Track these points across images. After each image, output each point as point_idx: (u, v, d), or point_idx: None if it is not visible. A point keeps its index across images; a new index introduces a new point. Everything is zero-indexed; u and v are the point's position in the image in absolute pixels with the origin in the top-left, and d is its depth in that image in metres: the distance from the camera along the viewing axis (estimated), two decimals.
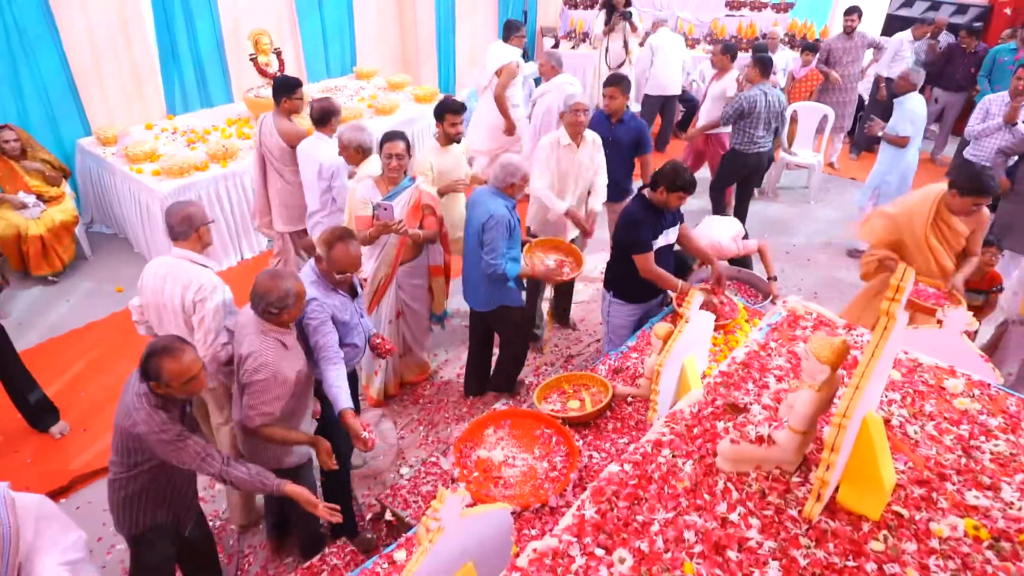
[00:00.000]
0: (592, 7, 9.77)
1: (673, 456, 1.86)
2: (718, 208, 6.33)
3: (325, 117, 4.45)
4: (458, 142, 4.52)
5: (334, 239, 3.03)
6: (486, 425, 3.04)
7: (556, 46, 9.38)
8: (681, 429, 1.97)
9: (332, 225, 3.17)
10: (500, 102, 6.11)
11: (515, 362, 4.41)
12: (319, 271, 3.11)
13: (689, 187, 3.59)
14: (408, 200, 3.96)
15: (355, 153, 4.27)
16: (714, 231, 4.49)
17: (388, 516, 3.41)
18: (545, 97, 6.16)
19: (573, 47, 9.36)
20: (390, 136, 3.90)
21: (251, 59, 6.37)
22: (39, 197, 5.41)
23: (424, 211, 4.03)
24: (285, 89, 4.68)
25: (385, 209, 3.69)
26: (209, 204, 5.59)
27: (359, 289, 3.37)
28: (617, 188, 4.92)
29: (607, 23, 7.31)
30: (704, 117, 6.58)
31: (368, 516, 3.69)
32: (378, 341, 3.48)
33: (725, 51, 6.33)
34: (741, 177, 6.15)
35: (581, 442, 2.99)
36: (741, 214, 6.31)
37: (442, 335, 5.06)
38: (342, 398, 2.88)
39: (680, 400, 2.19)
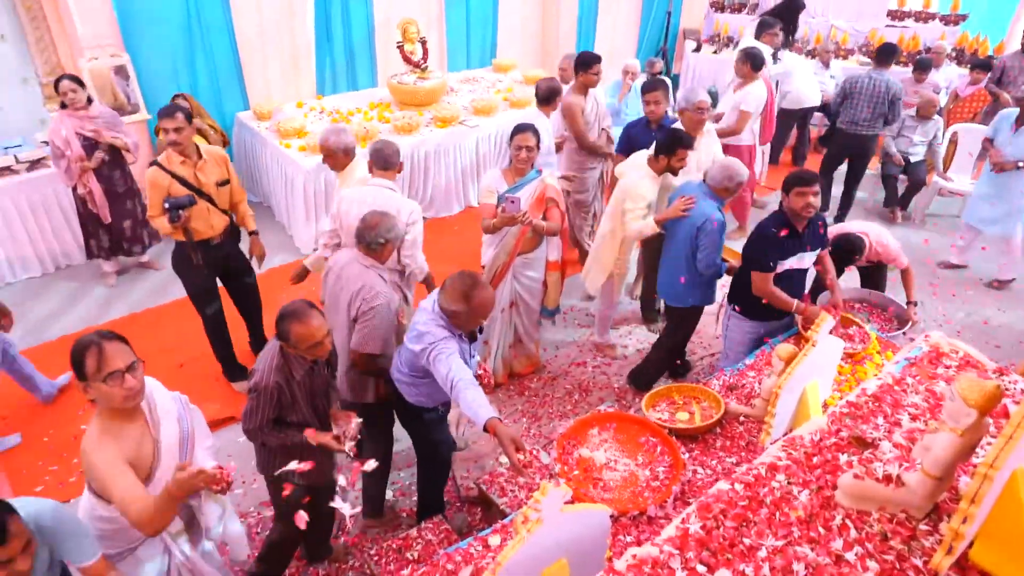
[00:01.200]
0: (740, 11, 9.45)
1: (788, 483, 1.78)
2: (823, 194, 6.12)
3: (551, 96, 4.95)
4: (675, 175, 4.23)
5: (471, 289, 2.76)
6: (591, 425, 3.04)
7: (698, 49, 9.15)
8: (799, 456, 1.88)
9: (463, 273, 2.84)
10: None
11: (660, 364, 4.45)
12: (448, 322, 2.84)
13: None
14: (533, 192, 4.01)
15: (342, 157, 3.97)
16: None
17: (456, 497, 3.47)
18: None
19: (715, 52, 9.09)
20: (521, 128, 3.97)
21: (398, 46, 6.65)
22: None
23: (548, 204, 4.06)
24: (583, 64, 5.01)
25: (512, 202, 3.74)
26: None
27: (479, 334, 3.12)
28: None
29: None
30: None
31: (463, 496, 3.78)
32: (479, 372, 3.19)
33: (746, 59, 5.66)
34: (843, 159, 6.32)
35: (687, 455, 2.92)
36: (847, 202, 6.52)
37: (553, 330, 5.09)
38: (481, 413, 2.61)
39: (800, 426, 2.09)
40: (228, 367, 4.52)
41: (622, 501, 2.66)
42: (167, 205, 3.75)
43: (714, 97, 8.96)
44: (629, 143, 4.82)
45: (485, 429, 2.56)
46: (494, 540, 2.55)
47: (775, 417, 2.71)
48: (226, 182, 4.01)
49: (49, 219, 5.62)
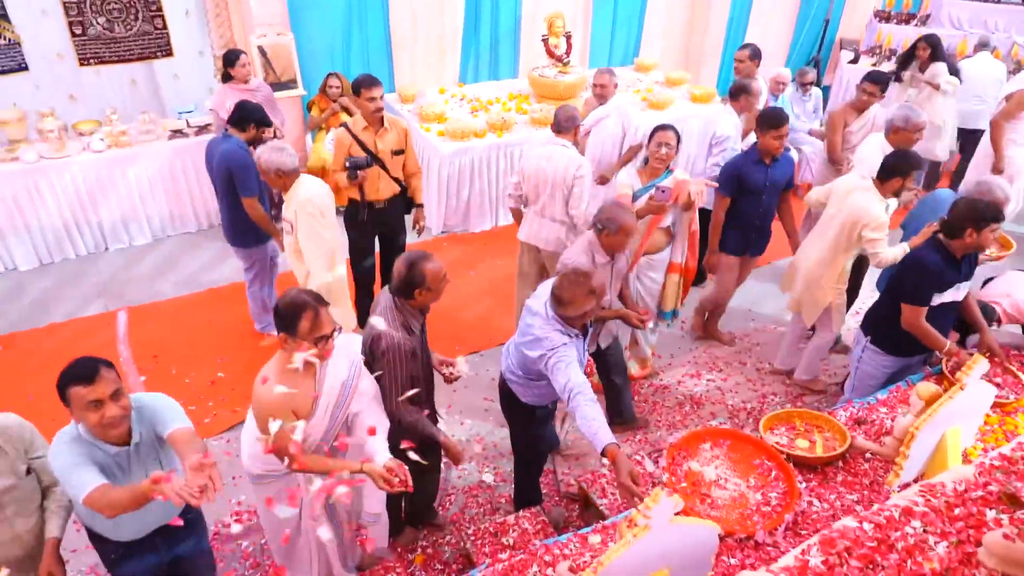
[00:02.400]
0: (908, 22, 8.81)
1: (924, 531, 1.66)
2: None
3: (739, 93, 4.86)
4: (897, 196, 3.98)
5: (579, 288, 2.72)
6: (704, 439, 2.95)
7: (855, 61, 8.62)
8: (939, 505, 1.74)
9: (571, 274, 2.79)
10: (998, 130, 5.48)
11: None
12: (564, 325, 2.81)
13: (998, 215, 3.10)
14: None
15: (274, 177, 3.74)
16: (1019, 288, 3.83)
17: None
18: (605, 123, 5.17)
19: (874, 64, 8.52)
20: (664, 126, 3.94)
21: (542, 39, 6.70)
22: None
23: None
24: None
25: (663, 192, 3.74)
26: (479, 169, 6.03)
27: (590, 328, 3.10)
28: (762, 236, 4.50)
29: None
30: None
31: (563, 492, 3.78)
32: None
33: (754, 56, 5.43)
34: None
35: (803, 484, 2.78)
36: None
37: (670, 338, 4.98)
38: (601, 436, 2.54)
39: (938, 474, 1.93)
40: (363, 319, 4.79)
41: (729, 521, 2.58)
42: (347, 164, 4.13)
43: None
44: (740, 183, 4.24)
45: (603, 453, 2.49)
46: (594, 539, 2.53)
47: (907, 459, 2.52)
48: (401, 151, 4.34)
49: (208, 181, 6.09)
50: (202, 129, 5.93)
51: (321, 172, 6.26)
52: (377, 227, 4.56)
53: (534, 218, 4.32)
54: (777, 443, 2.96)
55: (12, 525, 2.27)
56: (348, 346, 2.62)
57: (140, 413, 2.23)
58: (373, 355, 2.75)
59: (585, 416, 2.59)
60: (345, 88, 6.18)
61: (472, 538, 3.15)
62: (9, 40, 5.68)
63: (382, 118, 4.23)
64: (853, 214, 3.83)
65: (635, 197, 4.00)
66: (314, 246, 3.82)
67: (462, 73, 7.38)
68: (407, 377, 2.77)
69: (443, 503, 3.72)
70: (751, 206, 4.30)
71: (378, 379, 2.73)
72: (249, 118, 4.26)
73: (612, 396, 4.10)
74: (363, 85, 4.14)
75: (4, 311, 5.07)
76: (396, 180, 4.39)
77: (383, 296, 2.87)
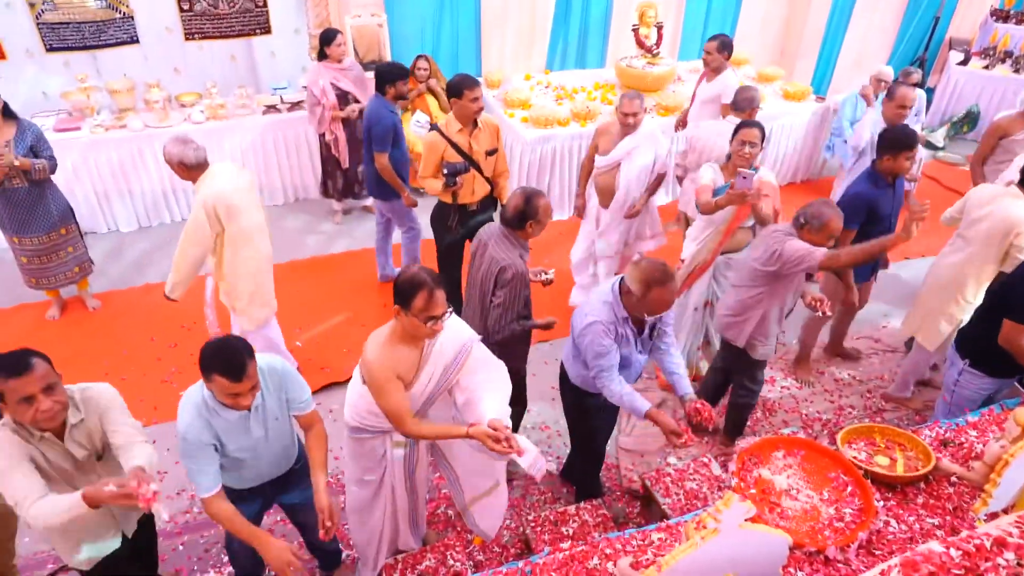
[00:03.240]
0: None
1: (1019, 564, 1.56)
2: None
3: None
4: None
5: (654, 282, 2.69)
6: (777, 447, 2.86)
7: (965, 62, 8.13)
8: None
9: (658, 262, 2.76)
10: None
11: None
12: (624, 303, 2.85)
13: None
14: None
15: (180, 170, 3.61)
16: None
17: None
18: (635, 153, 4.51)
19: (986, 66, 8.02)
20: (748, 123, 3.82)
21: (633, 29, 6.59)
22: (430, 121, 6.31)
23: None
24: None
25: (745, 178, 3.59)
26: (561, 157, 6.00)
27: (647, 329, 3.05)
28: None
29: None
30: (693, 122, 5.52)
31: (625, 486, 3.76)
32: (697, 406, 2.91)
33: (722, 48, 5.24)
34: None
35: (881, 503, 2.67)
36: None
37: None
38: (638, 402, 2.84)
39: None
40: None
41: (800, 533, 2.49)
42: (446, 171, 4.05)
43: (974, 118, 7.96)
44: (868, 211, 3.86)
45: (645, 417, 2.78)
46: (656, 537, 2.51)
47: (998, 487, 2.38)
48: (494, 151, 4.23)
49: (297, 156, 6.32)
50: (295, 106, 6.12)
51: None
52: (468, 229, 4.42)
53: (690, 187, 4.52)
54: (855, 458, 2.85)
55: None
56: (460, 332, 2.67)
57: (266, 378, 2.38)
58: (497, 283, 3.12)
59: (612, 393, 2.84)
60: (433, 71, 6.26)
61: (532, 524, 3.17)
62: (124, 14, 6.00)
63: (476, 119, 4.10)
64: (1006, 222, 3.57)
65: (716, 194, 3.90)
66: (189, 245, 3.69)
67: (549, 60, 7.35)
68: (524, 299, 3.18)
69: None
70: (881, 232, 3.81)
71: (498, 304, 3.13)
72: (383, 79, 4.55)
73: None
74: (466, 86, 3.93)
75: (105, 269, 5.39)
76: (488, 180, 4.32)
77: (493, 228, 3.24)
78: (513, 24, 6.97)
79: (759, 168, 3.90)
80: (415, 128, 6.29)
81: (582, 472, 3.52)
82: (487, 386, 2.69)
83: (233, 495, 2.57)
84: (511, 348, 3.28)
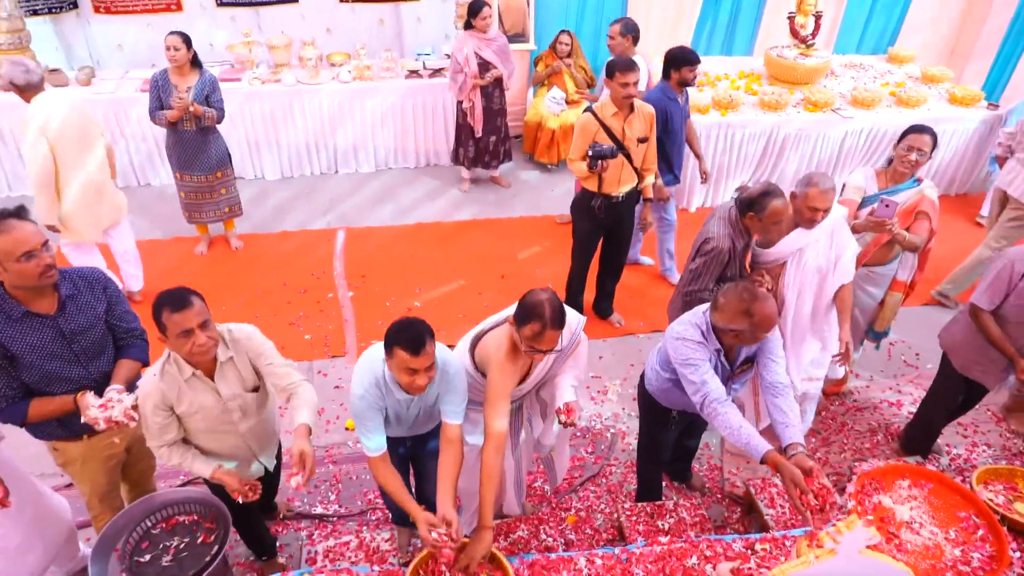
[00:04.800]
0: None
1: None
2: None
3: None
4: None
5: (752, 307, 2.46)
6: (903, 475, 2.70)
7: None
8: None
9: (739, 286, 2.54)
10: None
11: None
12: (721, 340, 2.63)
13: None
14: (905, 201, 3.56)
15: (11, 87, 3.88)
16: None
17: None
18: None
19: None
20: (919, 128, 3.50)
21: (789, 17, 6.24)
22: (565, 98, 6.28)
23: (918, 217, 3.58)
24: None
25: (887, 205, 3.35)
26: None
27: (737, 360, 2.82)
28: None
29: None
30: None
31: (726, 490, 3.66)
32: (823, 492, 2.33)
33: (627, 31, 4.78)
34: None
35: (1017, 554, 2.46)
36: None
37: (875, 358, 4.56)
38: (756, 441, 2.43)
39: None
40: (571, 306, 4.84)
41: (919, 570, 2.35)
42: (591, 152, 3.90)
43: None
44: None
45: (762, 462, 2.36)
46: (760, 547, 2.43)
47: None
48: (646, 139, 4.06)
49: (433, 122, 6.47)
50: (436, 72, 6.26)
51: (536, 127, 6.41)
52: (608, 221, 4.28)
53: (1016, 166, 4.53)
54: (991, 500, 2.63)
55: (239, 428, 2.55)
56: (570, 320, 2.62)
57: (441, 373, 2.44)
58: (699, 251, 3.26)
59: (729, 425, 2.47)
60: (574, 47, 6.21)
61: (628, 513, 3.15)
62: None
63: (632, 104, 3.94)
64: None
65: (864, 203, 3.63)
66: (32, 165, 3.95)
67: (693, 43, 7.09)
68: (714, 276, 3.23)
69: (604, 472, 3.75)
70: None
71: (692, 270, 3.27)
72: (671, 63, 4.34)
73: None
74: (619, 68, 3.78)
75: (250, 214, 5.77)
76: (636, 171, 4.14)
77: (728, 202, 3.28)
78: (660, 4, 6.77)
79: (922, 181, 3.60)
80: (549, 104, 6.29)
81: (642, 473, 3.44)
82: (568, 366, 2.76)
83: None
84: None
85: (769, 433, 2.67)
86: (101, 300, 2.50)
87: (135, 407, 2.38)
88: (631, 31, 4.82)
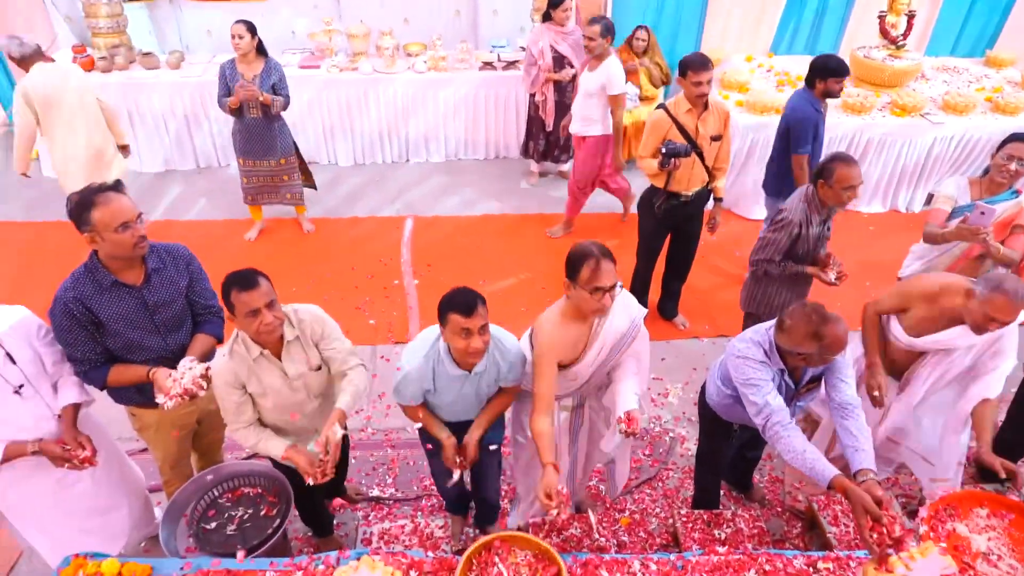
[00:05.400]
0: None
1: None
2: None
3: None
4: None
5: (821, 329, 2.34)
6: (981, 502, 2.56)
7: None
8: None
9: (806, 307, 2.42)
10: None
11: None
12: (786, 362, 2.55)
13: None
14: (1001, 213, 3.37)
15: (10, 61, 4.50)
16: None
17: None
18: None
19: None
20: (1021, 137, 3.31)
21: (879, 16, 5.98)
22: (639, 95, 6.19)
23: (1015, 231, 3.39)
24: None
25: (983, 213, 3.17)
26: (765, 147, 5.61)
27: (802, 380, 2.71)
28: None
29: None
30: (578, 118, 5.06)
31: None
32: (895, 529, 2.18)
33: (606, 32, 4.63)
34: None
35: None
36: None
37: None
38: (821, 466, 2.32)
39: None
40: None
41: None
42: (664, 149, 3.82)
43: None
44: None
45: (829, 487, 2.27)
46: (823, 566, 2.35)
47: None
48: (719, 138, 3.98)
49: (504, 114, 6.49)
50: (509, 64, 6.26)
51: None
52: (674, 220, 4.22)
53: None
54: None
55: (304, 408, 2.61)
56: (631, 307, 2.66)
57: (497, 345, 2.51)
58: (772, 221, 3.41)
59: (792, 448, 2.38)
60: (651, 43, 6.11)
61: (684, 519, 3.10)
62: None
63: (707, 101, 3.87)
64: None
65: (954, 214, 3.46)
66: (17, 125, 4.55)
67: (775, 42, 6.88)
68: (780, 250, 3.33)
69: (661, 475, 3.70)
70: None
71: (762, 238, 3.43)
72: (817, 72, 4.19)
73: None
74: (691, 67, 3.72)
75: (322, 198, 5.91)
76: (708, 169, 4.05)
77: (808, 187, 3.33)
78: (740, 0, 6.59)
79: (1021, 192, 3.40)
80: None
81: (700, 481, 3.36)
82: (631, 372, 2.70)
83: (428, 439, 2.78)
84: (764, 284, 3.57)
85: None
86: (184, 275, 2.61)
87: (204, 376, 2.47)
88: (611, 32, 4.70)
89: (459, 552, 2.48)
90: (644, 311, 2.69)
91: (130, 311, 2.47)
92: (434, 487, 3.49)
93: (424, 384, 2.50)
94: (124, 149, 4.98)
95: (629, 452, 3.25)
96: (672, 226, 4.30)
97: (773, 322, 2.56)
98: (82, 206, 2.31)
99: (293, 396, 2.53)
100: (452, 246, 5.45)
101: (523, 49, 6.00)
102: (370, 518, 3.41)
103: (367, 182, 6.29)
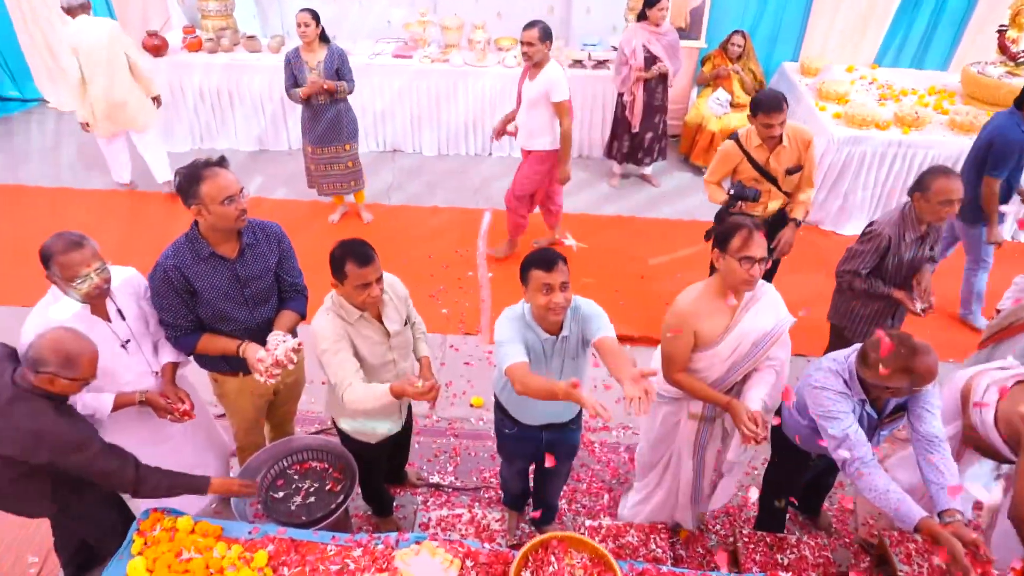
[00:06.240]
0: None
1: None
2: None
3: None
4: None
5: (911, 362, 2.22)
6: None
7: None
8: None
9: (893, 337, 2.29)
10: None
11: None
12: (854, 372, 2.44)
13: None
14: None
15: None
16: None
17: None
18: None
19: None
20: None
21: (999, 31, 5.62)
22: (730, 101, 6.04)
23: None
24: None
25: None
26: (870, 164, 5.38)
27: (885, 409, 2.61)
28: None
29: None
30: (524, 131, 4.70)
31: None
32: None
33: (545, 36, 4.32)
34: None
35: None
36: None
37: None
38: (907, 507, 2.26)
39: None
40: None
41: None
42: (732, 192, 3.72)
43: None
44: None
45: (915, 530, 2.19)
46: None
47: None
48: (798, 169, 3.75)
49: (591, 113, 6.44)
50: (600, 64, 6.21)
51: (696, 129, 6.21)
52: None
53: None
54: None
55: (396, 365, 2.70)
56: (780, 308, 2.61)
57: (575, 312, 2.49)
58: (862, 233, 3.31)
59: (875, 487, 2.29)
60: (747, 49, 5.94)
61: (745, 540, 3.01)
62: None
63: (781, 137, 3.64)
64: None
65: None
66: (65, 67, 5.28)
67: (880, 54, 6.57)
68: (867, 263, 3.24)
69: None
70: None
71: (849, 248, 3.34)
72: None
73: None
74: (762, 108, 3.50)
75: (405, 185, 6.03)
76: (786, 193, 3.87)
77: (907, 202, 3.22)
78: (847, 7, 6.30)
79: None
80: (713, 105, 6.07)
81: (766, 503, 3.23)
82: (766, 381, 2.62)
83: (516, 428, 2.78)
84: (848, 298, 3.46)
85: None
86: (275, 252, 2.71)
87: (295, 350, 2.58)
88: (549, 37, 4.38)
89: (514, 547, 2.48)
90: (792, 319, 2.61)
91: (223, 282, 2.58)
92: (493, 479, 3.51)
93: (518, 339, 2.40)
94: (156, 100, 5.55)
95: (742, 472, 3.14)
96: None
97: (852, 350, 2.46)
98: (191, 180, 2.42)
99: (387, 356, 2.63)
100: (528, 243, 5.43)
101: (614, 48, 5.94)
102: (429, 504, 3.47)
103: (449, 172, 6.37)
